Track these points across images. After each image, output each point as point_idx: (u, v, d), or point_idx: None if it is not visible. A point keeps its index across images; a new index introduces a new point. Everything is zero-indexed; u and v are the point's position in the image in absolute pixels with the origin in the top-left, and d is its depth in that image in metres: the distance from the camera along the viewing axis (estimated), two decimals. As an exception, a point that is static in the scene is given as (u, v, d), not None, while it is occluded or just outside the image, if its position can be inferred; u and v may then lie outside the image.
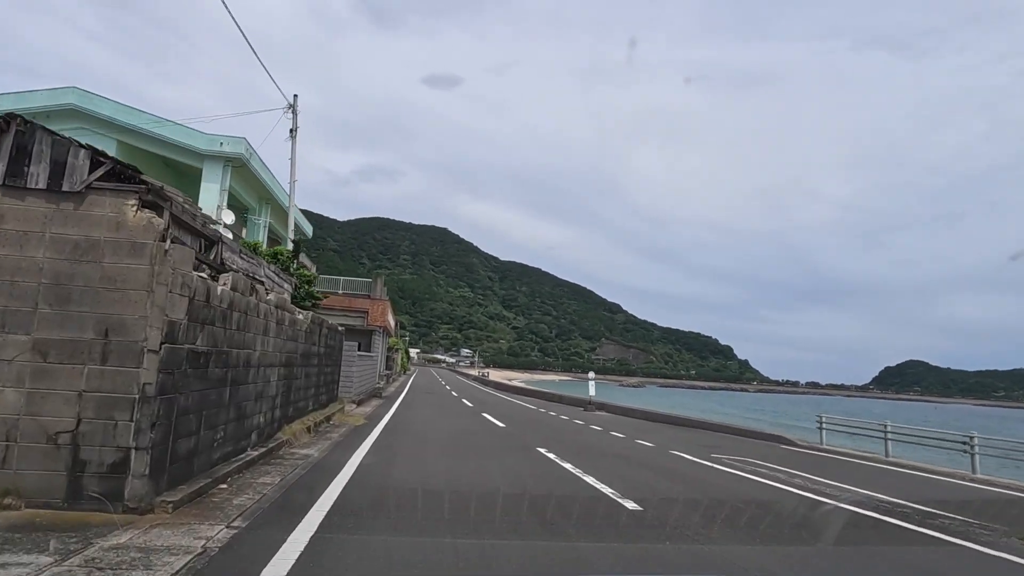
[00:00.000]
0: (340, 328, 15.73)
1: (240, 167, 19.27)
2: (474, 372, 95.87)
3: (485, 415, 19.05)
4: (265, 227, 24.51)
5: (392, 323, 44.27)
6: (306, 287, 13.77)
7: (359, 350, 29.90)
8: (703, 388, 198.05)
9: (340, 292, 34.60)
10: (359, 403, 19.55)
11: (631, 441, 13.87)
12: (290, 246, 16.99)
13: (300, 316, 10.29)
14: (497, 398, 32.22)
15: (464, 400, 27.60)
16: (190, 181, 19.08)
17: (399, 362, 61.04)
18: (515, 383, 66.65)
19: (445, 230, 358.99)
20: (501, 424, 16.11)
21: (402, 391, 32.11)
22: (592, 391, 26.18)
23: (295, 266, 14.04)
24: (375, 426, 13.47)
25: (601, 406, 26.31)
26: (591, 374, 27.09)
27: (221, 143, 18.48)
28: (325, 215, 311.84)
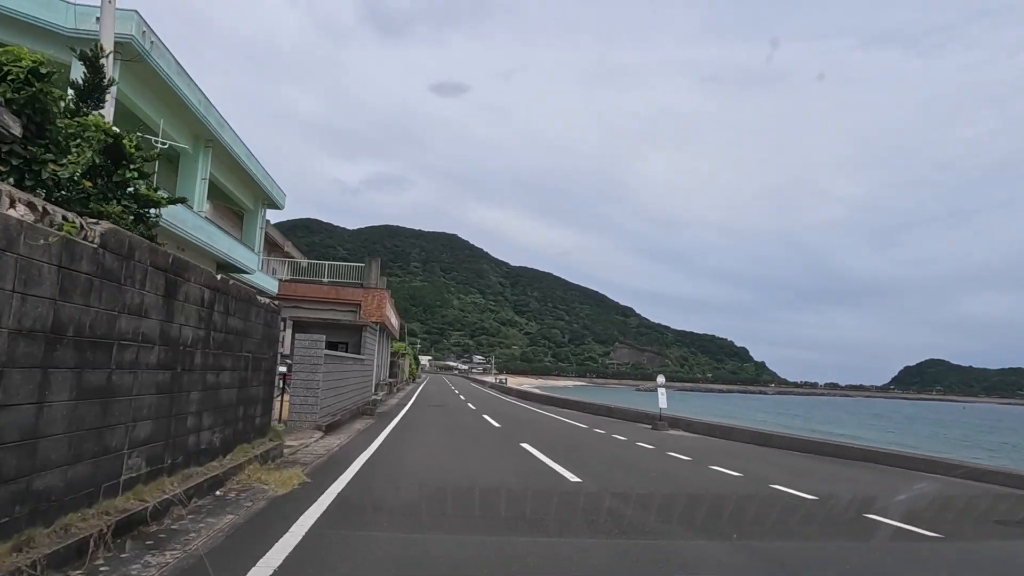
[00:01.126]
0: (268, 301, 8.54)
1: (135, 61, 12.23)
2: (490, 379, 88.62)
3: (527, 447, 11.85)
4: (204, 180, 17.49)
5: (394, 320, 37.12)
6: (118, 174, 5.22)
7: (347, 351, 22.78)
8: (721, 391, 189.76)
9: (325, 281, 27.66)
10: (328, 429, 12.43)
11: (858, 518, 6.65)
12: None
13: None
14: (529, 412, 25.00)
15: (486, 416, 20.42)
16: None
17: (406, 369, 54.02)
18: (524, 387, 59.79)
19: (455, 236, 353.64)
20: (571, 476, 8.71)
21: (405, 404, 24.96)
22: (663, 403, 18.99)
23: (74, 120, 5.58)
24: (317, 498, 6.19)
25: (674, 422, 19.12)
26: (660, 379, 19.85)
27: (98, 17, 11.51)
28: (335, 224, 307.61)
